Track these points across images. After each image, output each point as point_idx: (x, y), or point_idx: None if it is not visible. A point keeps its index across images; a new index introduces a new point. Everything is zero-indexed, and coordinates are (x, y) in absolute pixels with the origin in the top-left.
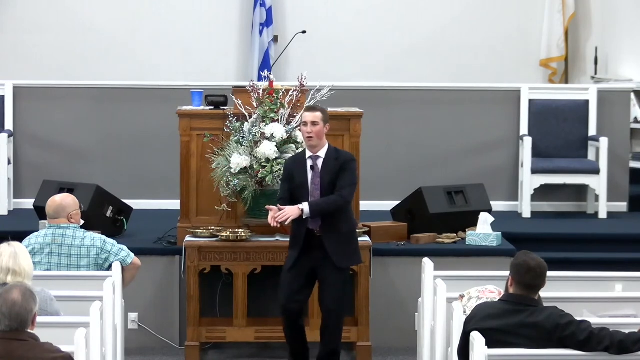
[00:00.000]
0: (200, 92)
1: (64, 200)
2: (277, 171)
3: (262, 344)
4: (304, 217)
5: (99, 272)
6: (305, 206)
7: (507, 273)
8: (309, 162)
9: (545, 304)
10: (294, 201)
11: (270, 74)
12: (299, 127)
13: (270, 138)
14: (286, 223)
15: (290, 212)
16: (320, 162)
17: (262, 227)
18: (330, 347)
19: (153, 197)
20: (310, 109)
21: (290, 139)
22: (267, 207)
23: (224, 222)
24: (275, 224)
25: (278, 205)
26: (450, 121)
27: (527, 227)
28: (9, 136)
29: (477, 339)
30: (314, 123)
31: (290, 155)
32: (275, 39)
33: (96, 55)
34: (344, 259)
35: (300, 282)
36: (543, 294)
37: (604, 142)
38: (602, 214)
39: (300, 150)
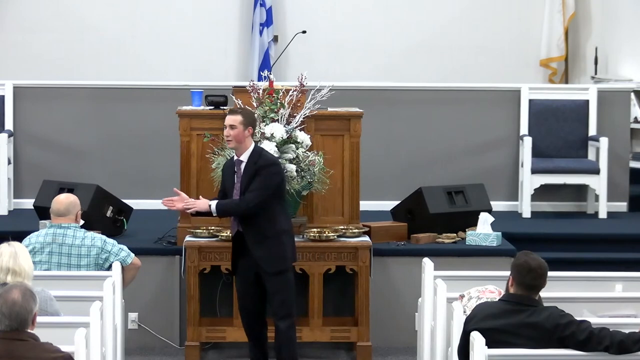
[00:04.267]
0: (200, 92)
1: (71, 198)
2: None
3: None
4: (213, 215)
5: (99, 272)
6: (213, 204)
7: (507, 273)
8: (235, 167)
9: (545, 304)
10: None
11: (270, 74)
12: (299, 127)
13: (270, 138)
14: (189, 212)
15: (199, 204)
16: (242, 167)
17: None
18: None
19: (153, 197)
20: (232, 111)
21: (290, 139)
22: (175, 189)
23: (224, 222)
24: (171, 207)
25: (199, 197)
26: (450, 121)
27: (527, 227)
28: (9, 136)
29: (477, 339)
30: (232, 126)
31: (289, 156)
32: (275, 38)
33: (96, 55)
34: (269, 264)
35: (249, 291)
36: (543, 294)
37: (604, 142)
38: (602, 214)
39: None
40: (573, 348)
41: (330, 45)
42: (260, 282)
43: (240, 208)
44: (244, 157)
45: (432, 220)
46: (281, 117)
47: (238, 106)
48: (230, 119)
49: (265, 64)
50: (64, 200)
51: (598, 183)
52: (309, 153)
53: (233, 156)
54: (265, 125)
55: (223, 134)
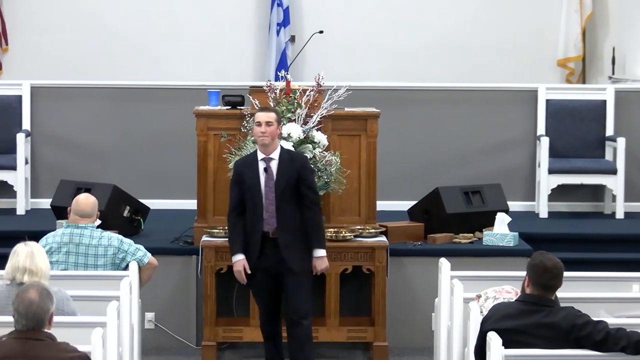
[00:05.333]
0: (217, 92)
1: (94, 199)
2: None
3: None
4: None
5: (116, 272)
6: (320, 252)
7: (523, 273)
8: (262, 164)
9: (562, 304)
10: (243, 206)
11: (287, 73)
12: (316, 127)
13: (287, 138)
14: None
15: (322, 264)
16: (274, 164)
17: None
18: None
19: (170, 197)
20: (265, 109)
21: (307, 139)
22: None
23: None
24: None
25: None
26: (467, 121)
27: (544, 227)
28: (27, 136)
29: (493, 339)
30: (268, 123)
31: (307, 156)
32: (292, 38)
33: (113, 55)
34: (296, 263)
35: (270, 291)
36: (560, 294)
37: (621, 142)
38: (619, 214)
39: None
40: (589, 348)
41: (347, 45)
42: (278, 282)
43: (323, 223)
44: (275, 155)
45: (449, 221)
46: (298, 117)
47: (256, 106)
48: (266, 116)
49: (282, 64)
50: (89, 202)
51: (615, 183)
52: (326, 153)
53: (253, 154)
54: (282, 126)
55: (256, 132)
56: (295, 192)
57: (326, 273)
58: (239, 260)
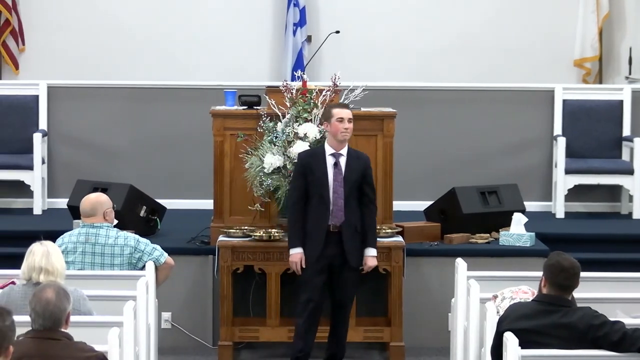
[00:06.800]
0: (234, 92)
1: (100, 198)
2: None
3: None
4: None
5: (133, 272)
6: (373, 251)
7: (540, 273)
8: (331, 159)
9: (578, 305)
10: (307, 199)
11: (303, 73)
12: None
13: (304, 138)
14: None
15: (372, 263)
16: (342, 160)
17: None
18: (342, 341)
19: (186, 196)
20: (344, 106)
21: (323, 139)
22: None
23: (257, 222)
24: None
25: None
26: (483, 121)
27: (561, 227)
28: (43, 136)
29: (510, 340)
30: (350, 120)
31: None
32: (308, 38)
33: (129, 55)
34: (355, 258)
35: (322, 284)
36: (576, 294)
37: (637, 142)
38: (636, 214)
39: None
40: (606, 349)
41: (363, 45)
42: (329, 275)
43: (376, 223)
44: (344, 152)
45: (466, 221)
46: (314, 117)
47: (273, 106)
48: (348, 113)
49: (299, 63)
50: (92, 200)
51: (632, 183)
52: None
53: (320, 148)
54: (298, 126)
55: (338, 127)
56: (358, 189)
57: None
58: (298, 253)
